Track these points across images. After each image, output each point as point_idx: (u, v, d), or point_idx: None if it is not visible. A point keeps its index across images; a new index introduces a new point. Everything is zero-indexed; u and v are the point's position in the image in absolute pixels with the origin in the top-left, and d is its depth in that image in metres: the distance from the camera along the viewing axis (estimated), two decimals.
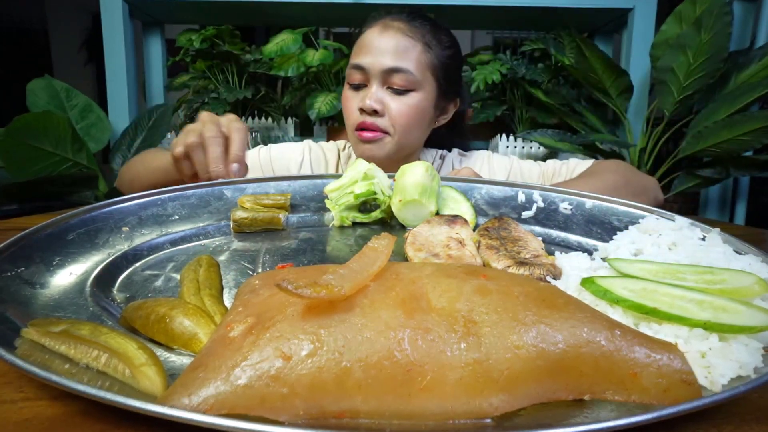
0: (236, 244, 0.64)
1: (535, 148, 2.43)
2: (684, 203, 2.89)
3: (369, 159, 0.99)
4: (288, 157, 1.18)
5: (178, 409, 0.27)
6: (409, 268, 0.39)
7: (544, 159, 2.40)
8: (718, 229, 0.56)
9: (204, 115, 0.84)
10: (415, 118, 1.04)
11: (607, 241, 0.60)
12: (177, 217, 0.68)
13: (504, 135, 2.43)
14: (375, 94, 1.02)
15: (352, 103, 1.06)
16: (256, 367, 0.29)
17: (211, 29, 2.35)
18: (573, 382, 0.32)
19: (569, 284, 0.45)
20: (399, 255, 0.59)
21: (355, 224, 0.74)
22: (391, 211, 0.72)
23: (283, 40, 2.32)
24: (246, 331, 0.32)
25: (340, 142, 1.26)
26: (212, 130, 0.80)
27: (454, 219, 0.62)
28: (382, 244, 0.41)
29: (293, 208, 0.76)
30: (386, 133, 1.03)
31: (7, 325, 0.37)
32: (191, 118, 2.65)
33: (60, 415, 0.30)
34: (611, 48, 2.58)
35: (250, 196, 0.72)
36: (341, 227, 0.72)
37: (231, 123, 0.83)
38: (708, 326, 0.35)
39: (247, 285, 0.40)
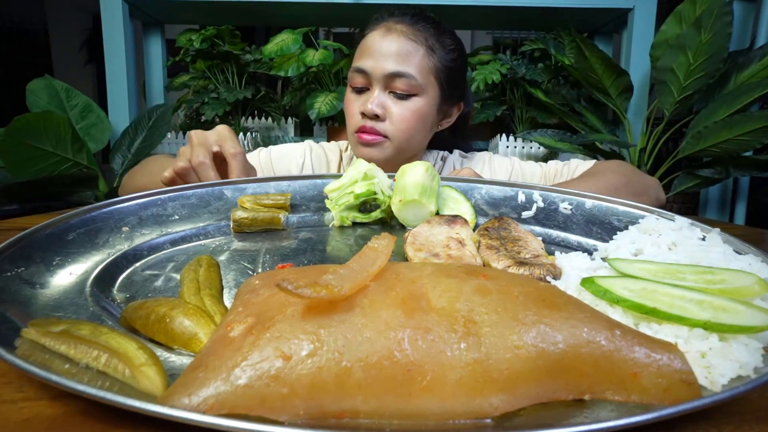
0: (236, 244, 0.64)
1: (535, 148, 2.43)
2: (684, 203, 2.89)
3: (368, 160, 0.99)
4: (289, 159, 1.18)
5: (178, 409, 0.27)
6: (409, 268, 0.39)
7: (544, 159, 2.41)
8: (718, 229, 0.56)
9: (192, 137, 0.82)
10: (417, 123, 1.04)
11: (607, 241, 0.60)
12: (177, 217, 0.68)
13: (504, 135, 2.43)
14: (377, 99, 1.01)
15: (354, 106, 1.05)
16: (256, 367, 0.29)
17: (211, 29, 2.35)
18: (573, 382, 0.32)
19: (569, 284, 0.45)
20: (399, 255, 0.59)
21: (355, 224, 0.74)
22: (391, 211, 0.72)
23: (283, 40, 2.32)
24: (246, 331, 0.32)
25: (342, 143, 1.26)
26: (200, 154, 0.78)
27: (454, 219, 0.62)
28: (382, 244, 0.41)
29: (293, 208, 0.76)
30: (386, 137, 1.03)
31: (7, 325, 0.37)
32: (191, 118, 2.65)
33: (60, 415, 0.30)
34: (611, 48, 2.58)
35: (250, 196, 0.72)
36: (341, 227, 0.72)
37: (224, 143, 0.81)
38: (708, 326, 0.35)
39: (247, 285, 0.40)
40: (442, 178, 0.79)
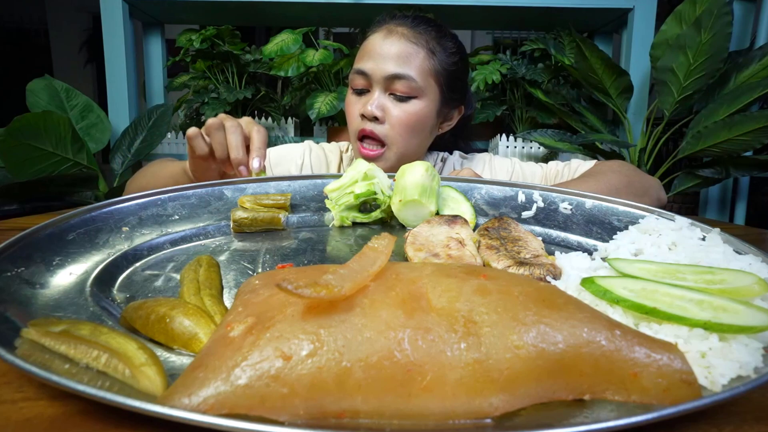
0: (236, 244, 0.64)
1: (535, 148, 2.42)
2: (684, 203, 2.89)
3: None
4: (288, 160, 1.18)
5: (178, 409, 0.27)
6: (409, 268, 0.39)
7: (544, 159, 2.41)
8: (718, 229, 0.56)
9: (222, 115, 0.85)
10: (417, 126, 1.04)
11: (607, 241, 0.60)
12: (177, 217, 0.68)
13: (504, 135, 2.43)
14: (377, 101, 1.01)
15: (354, 108, 1.05)
16: (256, 367, 0.29)
17: (211, 29, 2.35)
18: (573, 382, 0.32)
19: (569, 284, 0.46)
20: (399, 255, 0.59)
21: (355, 224, 0.74)
22: (391, 211, 0.72)
23: (283, 40, 2.32)
24: (246, 331, 0.32)
25: (342, 143, 1.26)
26: (233, 121, 0.82)
27: (454, 219, 0.62)
28: (382, 244, 0.41)
29: (293, 208, 0.76)
30: (386, 144, 1.03)
31: (7, 325, 0.37)
32: (191, 118, 2.65)
33: (60, 415, 0.30)
34: (611, 48, 2.58)
35: (250, 196, 0.72)
36: (341, 227, 0.72)
37: (250, 124, 0.84)
38: (708, 326, 0.35)
39: (247, 285, 0.40)
40: (442, 178, 0.79)
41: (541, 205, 0.75)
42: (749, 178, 2.33)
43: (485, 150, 2.56)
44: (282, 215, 0.70)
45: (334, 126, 2.60)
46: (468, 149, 1.28)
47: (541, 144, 2.23)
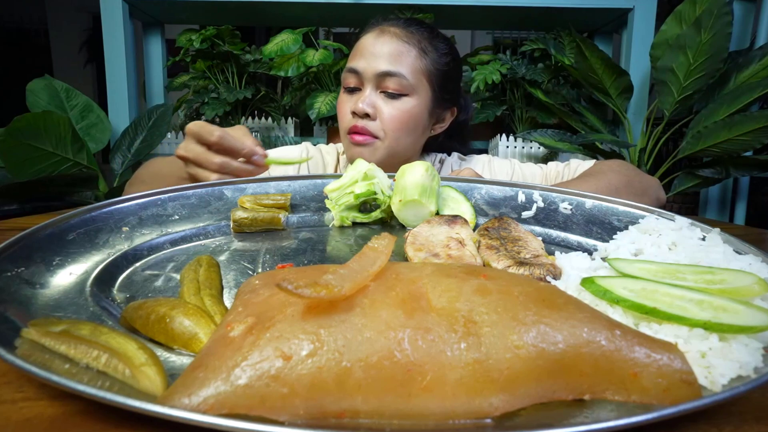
0: (236, 244, 0.64)
1: (535, 148, 2.42)
2: (684, 203, 2.89)
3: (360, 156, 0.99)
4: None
5: (178, 409, 0.27)
6: (409, 268, 0.39)
7: (544, 159, 2.40)
8: (718, 229, 0.56)
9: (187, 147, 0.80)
10: (408, 123, 1.04)
11: (607, 241, 0.60)
12: (177, 217, 0.68)
13: (504, 135, 2.43)
14: (368, 98, 1.02)
15: (345, 106, 1.06)
16: (256, 367, 0.29)
17: (211, 29, 2.35)
18: (573, 382, 0.32)
19: (569, 284, 0.46)
20: (399, 255, 0.59)
21: (355, 224, 0.74)
22: (391, 211, 0.72)
23: (283, 40, 2.31)
24: (246, 331, 0.32)
25: (340, 145, 1.26)
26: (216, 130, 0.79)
27: (454, 219, 0.62)
28: (382, 244, 0.41)
29: (293, 208, 0.76)
30: (377, 137, 1.03)
31: (7, 325, 0.37)
32: (191, 118, 2.65)
33: (60, 415, 0.30)
34: (611, 48, 2.57)
35: (250, 196, 0.72)
36: (341, 227, 0.72)
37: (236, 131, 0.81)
38: (708, 326, 0.35)
39: (247, 285, 0.40)
40: (442, 178, 0.79)
41: (541, 205, 0.75)
42: (749, 178, 2.33)
43: (485, 150, 2.56)
44: (282, 215, 0.70)
45: (334, 126, 2.60)
46: (466, 151, 1.28)
47: (541, 144, 2.23)
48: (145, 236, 0.62)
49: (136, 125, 2.29)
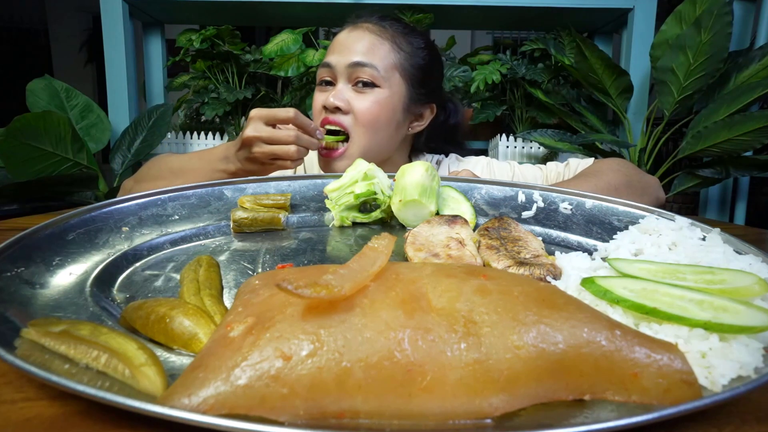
0: (236, 244, 0.64)
1: (535, 148, 2.42)
2: (684, 203, 2.89)
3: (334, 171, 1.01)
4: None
5: (178, 409, 0.27)
6: (409, 268, 0.39)
7: (544, 159, 2.40)
8: (718, 229, 0.56)
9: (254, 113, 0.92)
10: (380, 117, 1.03)
11: (607, 241, 0.60)
12: (177, 217, 0.68)
13: (504, 135, 2.43)
14: (340, 92, 1.02)
15: (318, 102, 1.06)
16: (256, 367, 0.29)
17: (211, 29, 2.35)
18: (573, 382, 0.32)
19: (569, 284, 0.45)
20: (399, 255, 0.59)
21: (355, 224, 0.74)
22: (391, 211, 0.72)
23: (283, 40, 2.31)
24: (246, 331, 0.32)
25: None
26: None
27: (454, 219, 0.62)
28: (382, 244, 0.41)
29: (293, 208, 0.76)
30: (347, 135, 1.03)
31: (7, 325, 0.37)
32: (191, 118, 2.65)
33: (60, 415, 0.30)
34: (611, 48, 2.57)
35: (250, 196, 0.72)
36: (341, 227, 0.72)
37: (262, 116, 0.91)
38: (708, 326, 0.35)
39: (247, 285, 0.40)
40: (442, 178, 0.79)
41: (541, 205, 0.75)
42: (749, 178, 2.33)
43: (485, 150, 2.56)
44: (282, 215, 0.70)
45: None
46: (464, 152, 1.28)
47: (541, 144, 2.23)
48: (145, 236, 0.62)
49: (136, 125, 2.29)
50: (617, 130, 2.29)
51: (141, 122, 2.29)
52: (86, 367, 0.33)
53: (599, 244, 0.61)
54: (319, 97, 1.06)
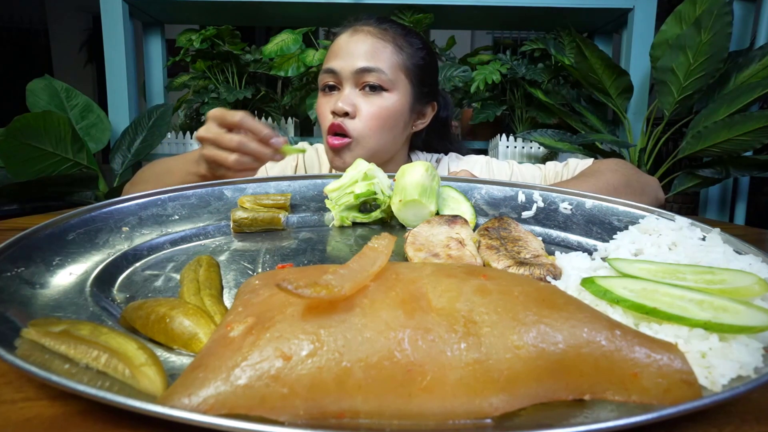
0: (236, 244, 0.64)
1: (535, 148, 2.42)
2: (684, 203, 2.89)
3: (341, 167, 0.99)
4: (282, 163, 1.19)
5: (178, 409, 0.27)
6: (409, 268, 0.39)
7: (543, 159, 2.40)
8: (718, 229, 0.56)
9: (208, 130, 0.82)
10: (388, 120, 1.04)
11: (607, 241, 0.60)
12: (177, 217, 0.68)
13: (504, 135, 2.43)
14: (347, 97, 1.02)
15: (324, 107, 1.06)
16: (256, 367, 0.29)
17: (211, 29, 2.35)
18: (573, 382, 0.32)
19: (569, 284, 0.45)
20: (399, 255, 0.59)
21: (355, 224, 0.74)
22: (391, 211, 0.72)
23: (283, 40, 2.32)
24: (246, 331, 0.32)
25: None
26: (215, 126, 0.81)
27: (454, 219, 0.62)
28: (382, 244, 0.41)
29: (293, 208, 0.76)
30: (352, 138, 1.02)
31: (7, 325, 0.37)
32: (191, 118, 2.65)
33: (60, 415, 0.30)
34: (611, 48, 2.57)
35: (250, 196, 0.72)
36: (341, 227, 0.72)
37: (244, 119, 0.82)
38: (708, 326, 0.35)
39: (247, 285, 0.40)
40: (442, 178, 0.79)
41: (541, 205, 0.75)
42: (749, 178, 2.33)
43: (485, 150, 2.56)
44: (282, 215, 0.70)
45: None
46: (463, 151, 1.28)
47: (541, 144, 2.23)
48: (145, 236, 0.62)
49: (136, 125, 2.29)
50: (617, 130, 2.29)
51: (141, 122, 2.29)
52: (86, 367, 0.33)
53: (599, 244, 0.61)
54: (326, 103, 1.05)
